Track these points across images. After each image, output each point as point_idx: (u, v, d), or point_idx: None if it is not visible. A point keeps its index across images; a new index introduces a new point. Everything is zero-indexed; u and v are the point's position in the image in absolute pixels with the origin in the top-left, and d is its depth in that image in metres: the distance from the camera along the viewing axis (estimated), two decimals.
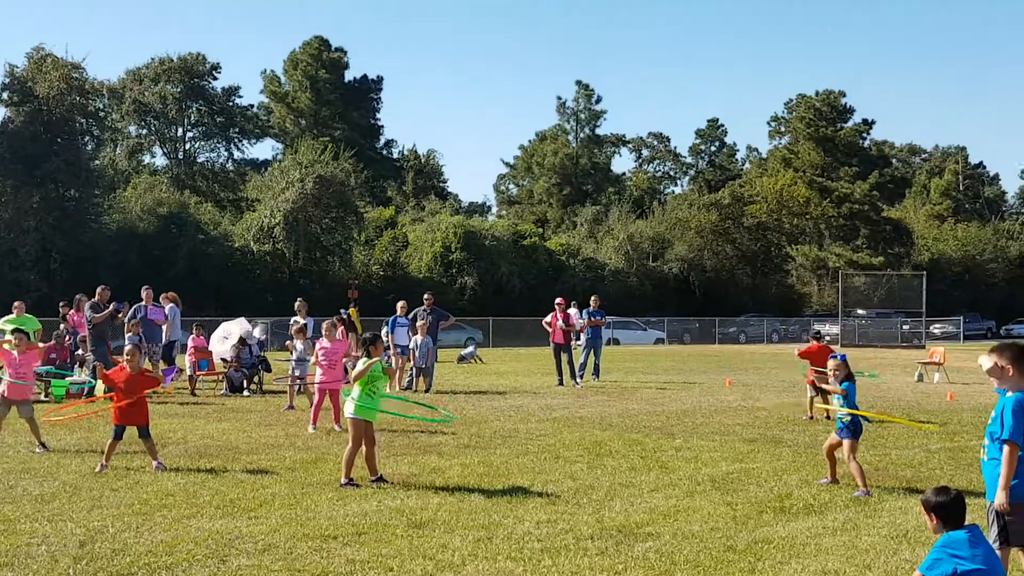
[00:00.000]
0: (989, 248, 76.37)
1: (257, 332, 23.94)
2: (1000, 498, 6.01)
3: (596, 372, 23.37)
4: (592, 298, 24.07)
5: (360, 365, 10.24)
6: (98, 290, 19.98)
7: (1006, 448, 6.02)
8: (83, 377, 18.68)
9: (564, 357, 22.32)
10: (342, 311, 43.00)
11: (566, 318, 22.54)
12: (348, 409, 10.17)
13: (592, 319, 23.42)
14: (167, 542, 7.58)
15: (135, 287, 21.58)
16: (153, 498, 9.24)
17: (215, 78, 73.15)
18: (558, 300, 23.15)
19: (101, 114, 54.47)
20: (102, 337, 19.54)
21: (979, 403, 18.30)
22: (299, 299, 20.90)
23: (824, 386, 10.60)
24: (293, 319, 20.54)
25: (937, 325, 58.58)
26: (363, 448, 10.08)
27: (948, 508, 5.70)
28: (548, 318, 22.84)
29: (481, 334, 47.50)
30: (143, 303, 20.40)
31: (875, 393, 20.60)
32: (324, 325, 15.05)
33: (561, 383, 22.06)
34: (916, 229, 78.33)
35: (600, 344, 23.77)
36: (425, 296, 22.48)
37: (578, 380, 22.01)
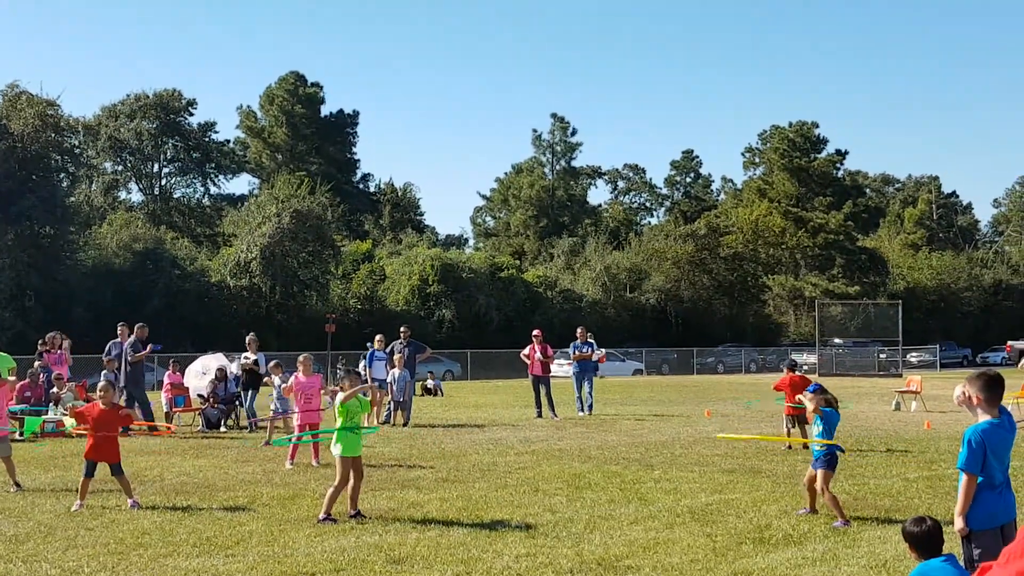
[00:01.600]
0: (963, 277, 77.05)
1: (234, 367, 23.82)
2: (957, 524, 6.08)
3: (583, 406, 22.63)
4: (578, 329, 23.29)
5: (341, 394, 10.22)
6: (136, 328, 19.72)
7: (963, 477, 6.10)
8: (57, 416, 18.50)
9: (543, 389, 22.23)
10: (368, 344, 42.90)
11: (544, 350, 22.43)
12: (335, 448, 10.11)
13: (578, 352, 22.76)
14: None
15: (111, 324, 21.50)
16: (129, 537, 9.15)
17: (191, 114, 73.29)
18: (535, 332, 23.03)
19: (76, 151, 54.32)
20: (139, 376, 19.42)
21: (956, 431, 18.39)
22: (250, 334, 20.66)
23: (803, 399, 10.49)
24: (244, 355, 20.31)
25: (913, 354, 58.93)
26: (351, 481, 10.03)
27: (924, 538, 5.75)
28: (526, 351, 22.77)
29: (459, 366, 47.43)
30: (119, 340, 20.35)
31: (853, 423, 20.67)
32: (300, 360, 14.93)
33: (540, 415, 21.99)
34: (891, 258, 78.99)
35: (591, 377, 22.96)
36: (401, 329, 22.36)
37: (555, 413, 21.89)
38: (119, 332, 20.42)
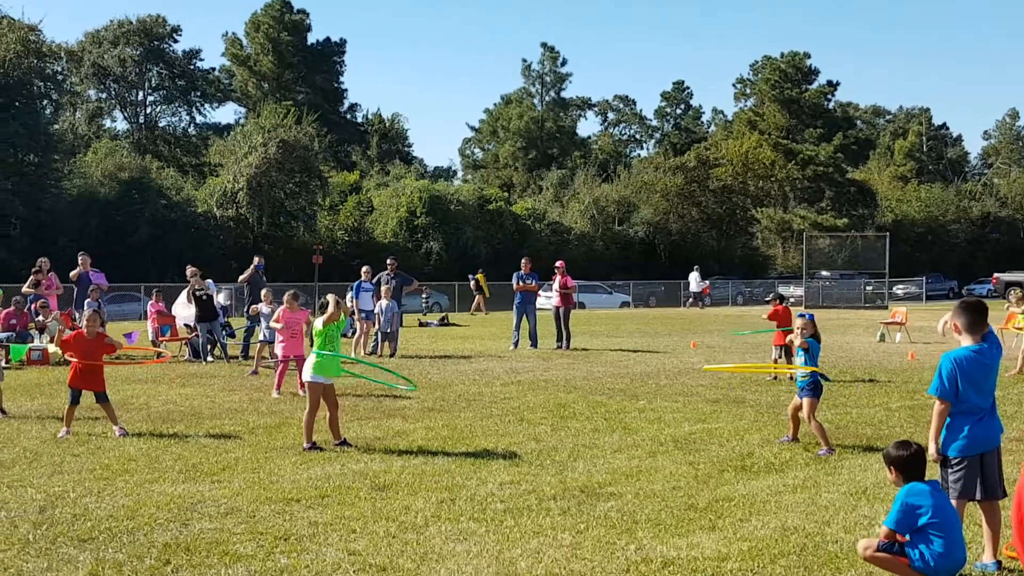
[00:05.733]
0: (951, 209, 77.02)
1: (221, 298, 23.74)
2: (929, 450, 6.12)
3: (520, 339, 22.32)
4: (523, 261, 22.86)
5: (321, 318, 10.23)
6: (255, 257, 22.24)
7: (935, 404, 6.12)
8: (43, 344, 18.50)
9: (562, 320, 22.14)
10: (471, 276, 43.17)
11: (565, 282, 22.34)
12: (306, 373, 10.15)
13: (522, 283, 22.33)
14: (129, 507, 7.54)
15: (97, 253, 21.52)
16: (115, 463, 9.18)
17: (176, 40, 72.27)
18: (558, 263, 22.86)
19: (59, 77, 53.53)
20: (257, 289, 20.32)
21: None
22: (189, 267, 20.27)
23: (792, 339, 10.47)
24: (195, 286, 19.54)
25: (900, 286, 59.10)
26: (327, 412, 10.07)
27: (908, 462, 5.81)
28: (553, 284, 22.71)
29: (447, 298, 47.46)
30: (81, 268, 20.57)
31: (838, 354, 20.81)
32: (286, 297, 14.72)
33: (560, 347, 21.98)
34: (880, 191, 78.83)
35: (533, 310, 22.49)
36: (389, 260, 22.24)
37: (569, 344, 21.97)
38: (80, 261, 20.71)
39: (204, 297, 19.28)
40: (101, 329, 11.24)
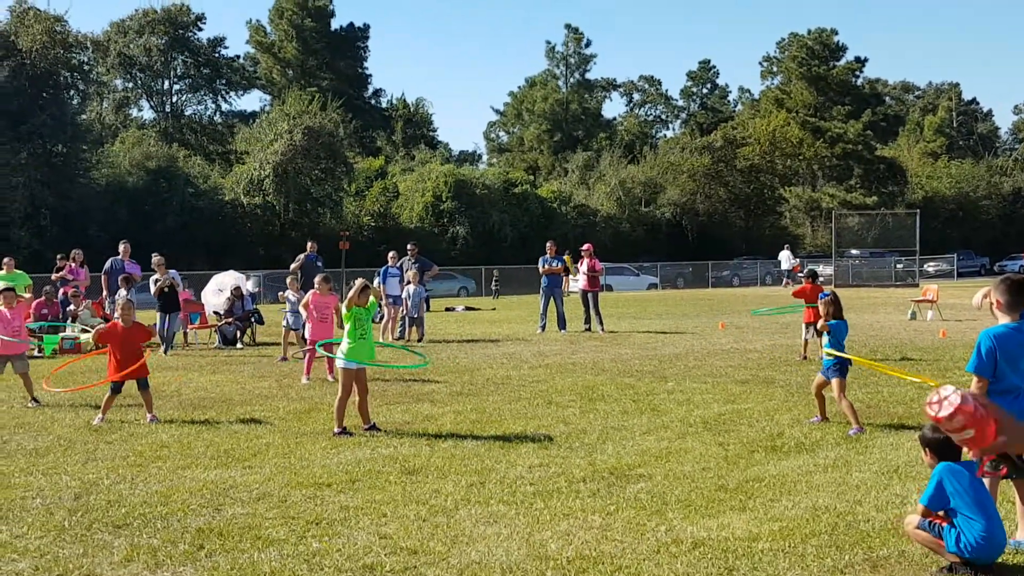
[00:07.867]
0: (982, 185, 76.13)
1: (249, 285, 23.90)
2: None
3: (562, 323, 22.03)
4: (548, 244, 22.63)
5: (343, 305, 10.28)
6: (308, 244, 21.81)
7: (973, 382, 6.06)
8: (75, 332, 18.67)
9: (591, 303, 22.01)
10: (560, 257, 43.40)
11: (593, 264, 22.24)
12: (338, 360, 10.19)
13: (547, 266, 22.10)
14: (162, 492, 7.61)
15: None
16: (148, 450, 9.27)
17: (200, 29, 72.45)
18: (585, 246, 22.71)
19: (86, 67, 53.87)
20: (309, 278, 19.88)
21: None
22: (155, 254, 19.82)
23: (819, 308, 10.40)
24: (153, 277, 19.18)
25: (931, 263, 58.59)
26: (356, 397, 10.11)
27: (945, 444, 5.76)
28: (581, 266, 22.48)
29: (474, 283, 47.56)
30: (120, 257, 20.62)
31: (868, 332, 20.67)
32: (317, 280, 14.69)
33: (589, 329, 21.99)
34: (909, 167, 78.03)
35: (559, 293, 22.33)
36: (409, 246, 22.18)
37: (603, 327, 21.84)
38: (120, 250, 20.77)
39: (166, 289, 18.86)
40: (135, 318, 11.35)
